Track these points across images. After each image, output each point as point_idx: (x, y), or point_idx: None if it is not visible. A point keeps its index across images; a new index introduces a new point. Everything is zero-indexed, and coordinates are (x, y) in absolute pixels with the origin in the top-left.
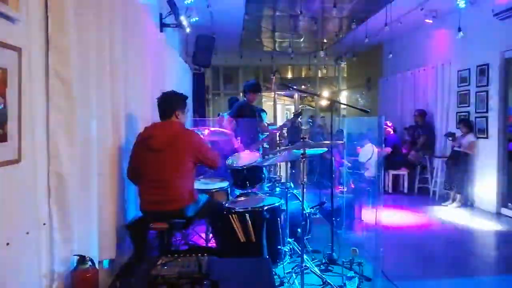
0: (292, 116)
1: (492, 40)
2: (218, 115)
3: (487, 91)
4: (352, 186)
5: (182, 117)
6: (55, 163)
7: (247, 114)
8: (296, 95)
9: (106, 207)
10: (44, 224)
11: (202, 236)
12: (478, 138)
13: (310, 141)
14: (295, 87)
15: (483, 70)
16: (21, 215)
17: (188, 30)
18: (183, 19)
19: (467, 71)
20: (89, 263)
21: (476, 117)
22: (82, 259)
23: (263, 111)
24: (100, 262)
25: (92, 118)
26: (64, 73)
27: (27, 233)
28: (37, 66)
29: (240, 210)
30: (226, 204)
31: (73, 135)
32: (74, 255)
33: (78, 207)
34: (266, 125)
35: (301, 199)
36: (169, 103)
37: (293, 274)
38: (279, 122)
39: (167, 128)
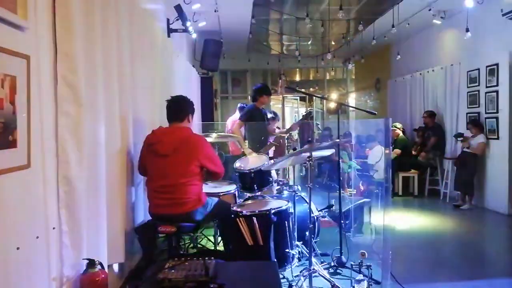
0: (300, 118)
1: (501, 39)
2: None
3: (497, 91)
4: (362, 188)
5: (191, 121)
6: (64, 168)
7: (256, 118)
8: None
9: (115, 211)
10: (54, 228)
11: (211, 239)
12: (488, 139)
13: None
14: (303, 90)
15: (492, 70)
16: (31, 219)
17: (194, 35)
18: (190, 24)
19: (477, 71)
20: (99, 266)
21: (486, 118)
22: (91, 263)
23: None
24: (109, 266)
25: (100, 123)
26: (72, 79)
27: (37, 237)
28: (45, 73)
29: (248, 214)
30: (234, 208)
31: (82, 140)
32: (84, 258)
33: (87, 211)
34: (275, 128)
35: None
36: (182, 106)
37: (302, 277)
38: (288, 125)
39: (175, 133)
